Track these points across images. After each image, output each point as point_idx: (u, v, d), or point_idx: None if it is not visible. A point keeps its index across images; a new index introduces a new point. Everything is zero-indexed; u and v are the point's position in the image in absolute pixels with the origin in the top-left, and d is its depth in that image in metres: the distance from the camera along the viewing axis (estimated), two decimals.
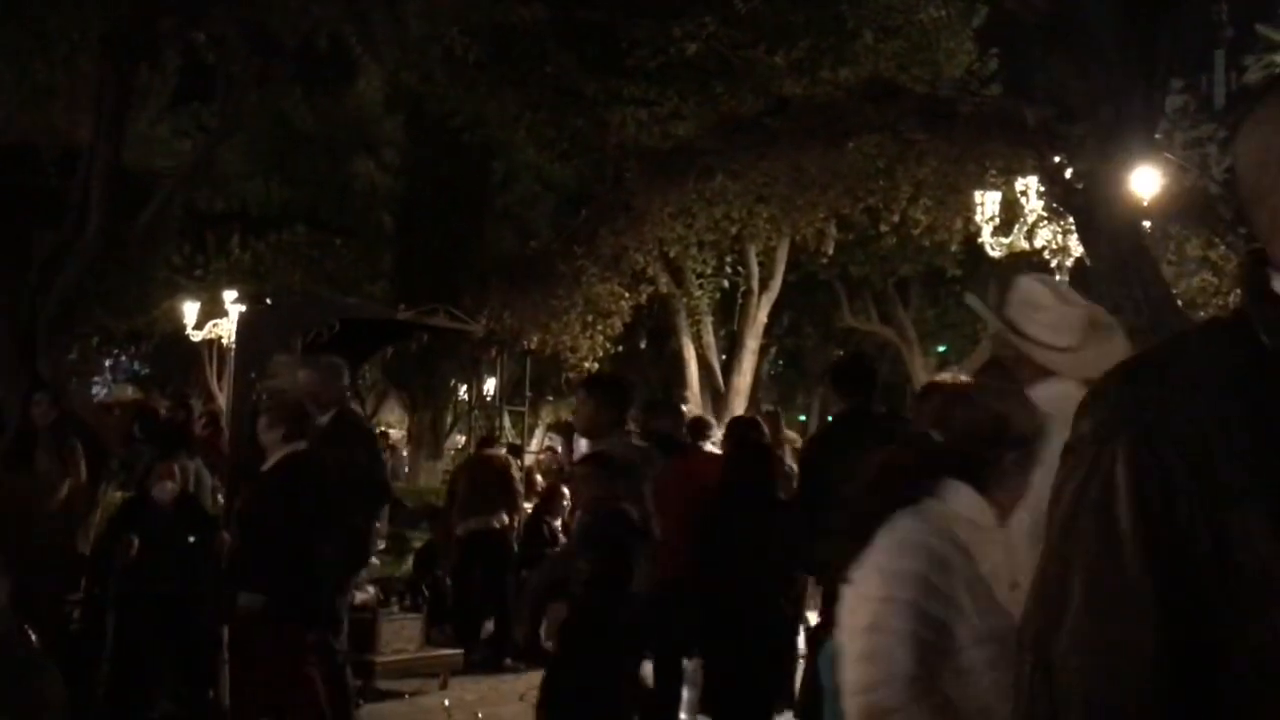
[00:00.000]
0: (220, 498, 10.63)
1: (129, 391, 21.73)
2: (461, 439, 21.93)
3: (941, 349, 26.47)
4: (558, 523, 11.86)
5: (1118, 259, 9.46)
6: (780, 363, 29.09)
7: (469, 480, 11.59)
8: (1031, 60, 13.74)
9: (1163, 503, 1.42)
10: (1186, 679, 1.42)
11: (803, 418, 31.33)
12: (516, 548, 11.38)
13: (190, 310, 21.26)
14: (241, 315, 15.36)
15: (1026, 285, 3.80)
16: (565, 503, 11.87)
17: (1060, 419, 2.66)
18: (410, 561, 11.98)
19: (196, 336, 21.52)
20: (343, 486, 6.96)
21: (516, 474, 12.11)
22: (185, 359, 23.11)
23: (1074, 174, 10.27)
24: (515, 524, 11.55)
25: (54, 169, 13.19)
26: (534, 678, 10.14)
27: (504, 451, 12.58)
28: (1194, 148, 17.02)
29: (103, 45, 10.87)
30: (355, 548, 7.55)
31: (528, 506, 12.18)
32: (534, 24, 12.80)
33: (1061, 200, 10.97)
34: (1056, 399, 3.14)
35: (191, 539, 8.05)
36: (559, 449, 20.79)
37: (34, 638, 5.28)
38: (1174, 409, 1.45)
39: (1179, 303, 11.10)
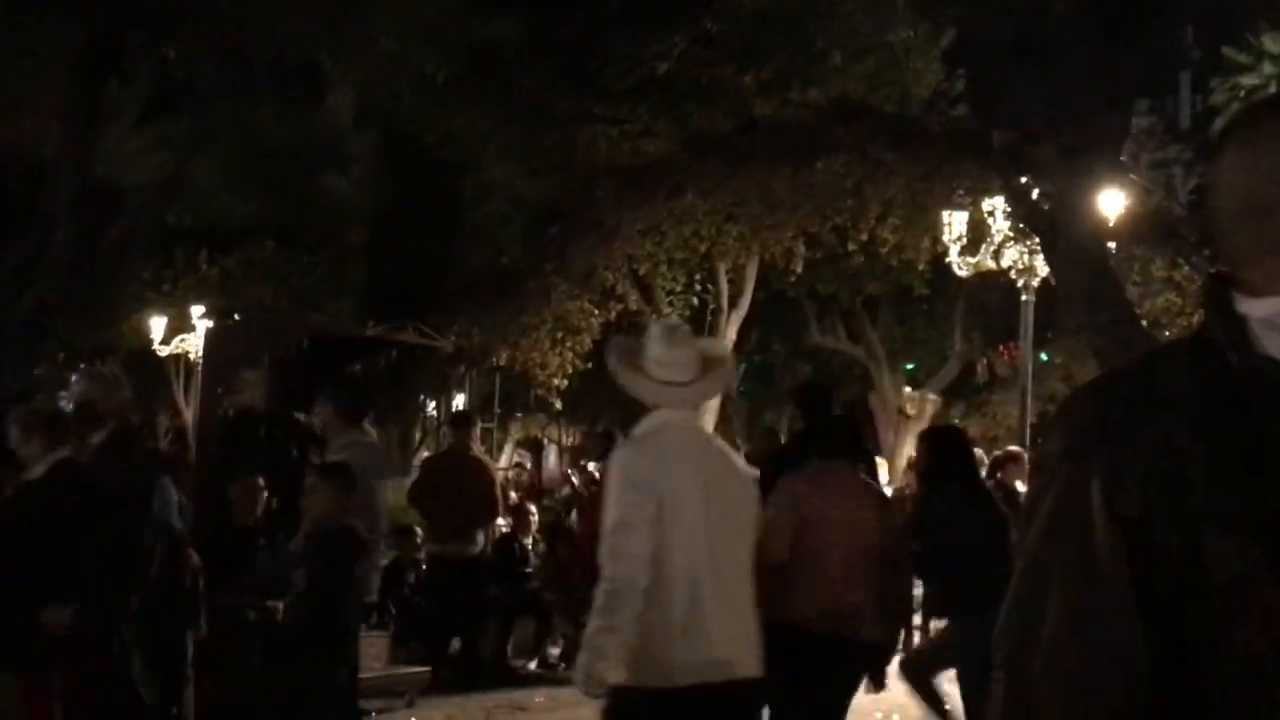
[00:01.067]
0: (182, 515, 10.58)
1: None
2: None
3: (909, 367, 26.60)
4: (528, 540, 11.83)
5: (1083, 279, 9.55)
6: (751, 380, 29.12)
7: (450, 495, 10.84)
8: (998, 81, 13.86)
9: (1138, 520, 1.44)
10: (1161, 697, 1.43)
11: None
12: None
13: (157, 325, 21.19)
14: (209, 331, 15.33)
15: (652, 334, 4.63)
16: (533, 518, 11.85)
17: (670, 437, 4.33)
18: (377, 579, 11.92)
19: (163, 351, 21.43)
20: (111, 501, 6.58)
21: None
22: (152, 374, 22.97)
23: (1040, 194, 10.36)
24: (488, 539, 11.43)
25: (23, 182, 13.12)
26: (501, 696, 10.18)
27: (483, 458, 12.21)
28: (1159, 169, 17.17)
29: (73, 59, 10.83)
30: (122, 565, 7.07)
31: (500, 523, 12.10)
32: (505, 42, 12.81)
33: (1027, 220, 11.06)
34: (674, 424, 4.39)
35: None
36: (527, 464, 20.78)
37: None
38: (1146, 426, 1.47)
39: (1143, 323, 11.21)
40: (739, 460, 4.87)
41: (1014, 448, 12.48)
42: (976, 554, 6.27)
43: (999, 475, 11.23)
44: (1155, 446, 1.45)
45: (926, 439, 7.41)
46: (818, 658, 5.57)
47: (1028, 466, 11.77)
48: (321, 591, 6.33)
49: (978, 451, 10.19)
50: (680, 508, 4.26)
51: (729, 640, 4.32)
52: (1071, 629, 1.46)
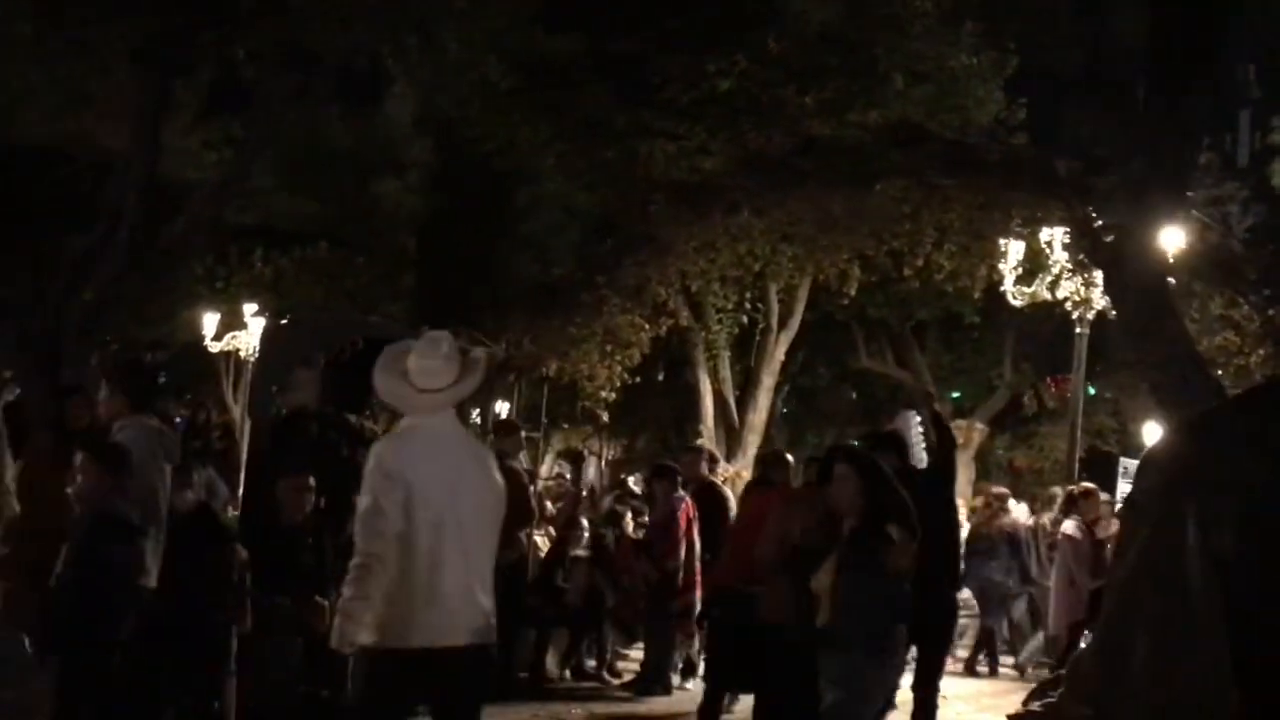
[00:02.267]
0: (231, 509, 10.66)
1: None
2: None
3: (955, 395, 26.44)
4: (580, 551, 11.79)
5: (1143, 315, 9.46)
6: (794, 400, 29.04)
7: None
8: (1059, 112, 13.80)
9: (1233, 563, 1.42)
10: None
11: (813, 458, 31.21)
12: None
13: (210, 321, 21.34)
14: (265, 328, 15.42)
15: (415, 346, 5.15)
16: (584, 533, 11.83)
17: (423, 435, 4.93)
18: None
19: (215, 348, 21.59)
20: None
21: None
22: (202, 369, 23.16)
23: (1102, 227, 10.28)
24: (528, 544, 11.42)
25: (86, 176, 13.27)
26: (537, 708, 10.16)
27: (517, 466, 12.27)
28: (1216, 205, 17.01)
29: (141, 56, 10.94)
30: None
31: (538, 534, 12.09)
32: (568, 55, 12.88)
33: (1089, 253, 10.98)
34: (429, 425, 4.96)
35: (205, 550, 8.05)
36: (567, 475, 20.76)
37: (28, 643, 5.34)
38: (1242, 467, 1.46)
39: (1200, 361, 11.08)
40: (489, 458, 5.40)
41: (1088, 484, 12.40)
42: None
43: (1073, 511, 11.17)
44: (1251, 488, 1.44)
45: None
46: None
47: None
48: (83, 571, 6.34)
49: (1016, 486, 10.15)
50: (427, 496, 4.84)
51: (463, 611, 4.89)
52: (1160, 669, 1.44)
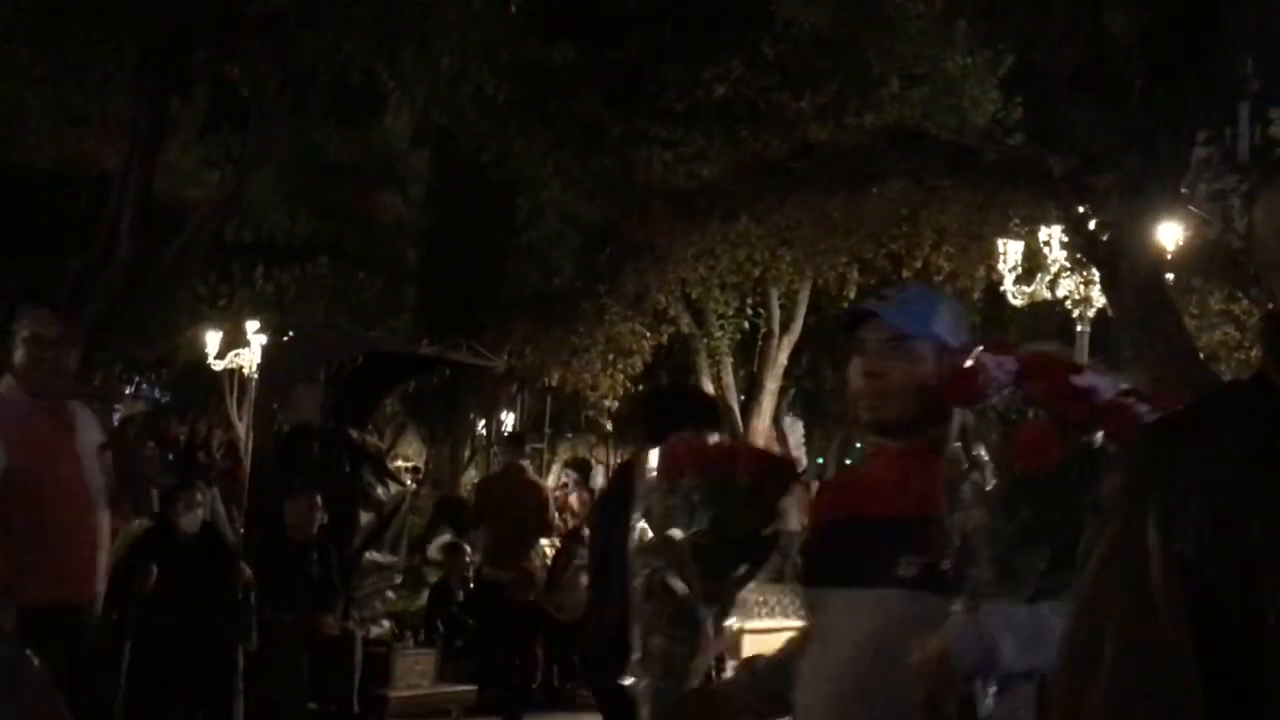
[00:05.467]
0: (237, 528, 10.68)
1: (139, 406, 21.79)
2: (476, 475, 21.93)
3: None
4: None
5: (1142, 311, 9.46)
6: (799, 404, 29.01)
7: (504, 515, 10.74)
8: (1056, 110, 13.80)
9: (1195, 563, 1.43)
10: None
11: (820, 460, 31.22)
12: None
13: (213, 339, 21.36)
14: (265, 346, 15.45)
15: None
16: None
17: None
18: (425, 596, 11.97)
19: (218, 366, 21.61)
20: None
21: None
22: (205, 388, 23.18)
23: (1098, 224, 10.28)
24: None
25: (85, 196, 13.30)
26: (548, 719, 10.17)
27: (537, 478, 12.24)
28: (1217, 200, 17.01)
29: (137, 75, 10.98)
30: None
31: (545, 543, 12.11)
32: (563, 64, 12.89)
33: (1086, 251, 10.98)
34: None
35: (211, 569, 8.07)
36: (571, 484, 20.75)
37: (37, 664, 5.32)
38: (1205, 470, 1.47)
39: (1200, 356, 11.09)
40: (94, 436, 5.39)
41: None
42: None
43: None
44: (1212, 487, 1.45)
45: None
46: None
47: None
48: None
49: None
50: (28, 470, 4.89)
51: (73, 570, 5.02)
52: (1128, 671, 1.45)
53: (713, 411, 5.29)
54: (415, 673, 9.66)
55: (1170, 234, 11.10)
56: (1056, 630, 1.61)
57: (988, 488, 2.27)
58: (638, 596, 2.84)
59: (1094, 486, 1.86)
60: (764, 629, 15.89)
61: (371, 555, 9.88)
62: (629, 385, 16.22)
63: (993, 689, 2.18)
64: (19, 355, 4.99)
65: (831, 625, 2.56)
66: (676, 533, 2.78)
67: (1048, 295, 14.05)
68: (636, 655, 2.82)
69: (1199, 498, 1.45)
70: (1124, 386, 2.25)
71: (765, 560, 2.82)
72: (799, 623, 2.93)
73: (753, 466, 2.83)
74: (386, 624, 9.82)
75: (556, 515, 12.54)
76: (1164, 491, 1.47)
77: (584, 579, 11.41)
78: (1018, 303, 14.43)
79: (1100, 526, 1.54)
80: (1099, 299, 13.11)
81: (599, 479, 33.12)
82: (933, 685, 2.20)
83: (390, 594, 10.41)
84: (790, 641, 2.78)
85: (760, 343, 19.94)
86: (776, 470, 2.91)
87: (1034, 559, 2.20)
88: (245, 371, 20.95)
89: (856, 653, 2.47)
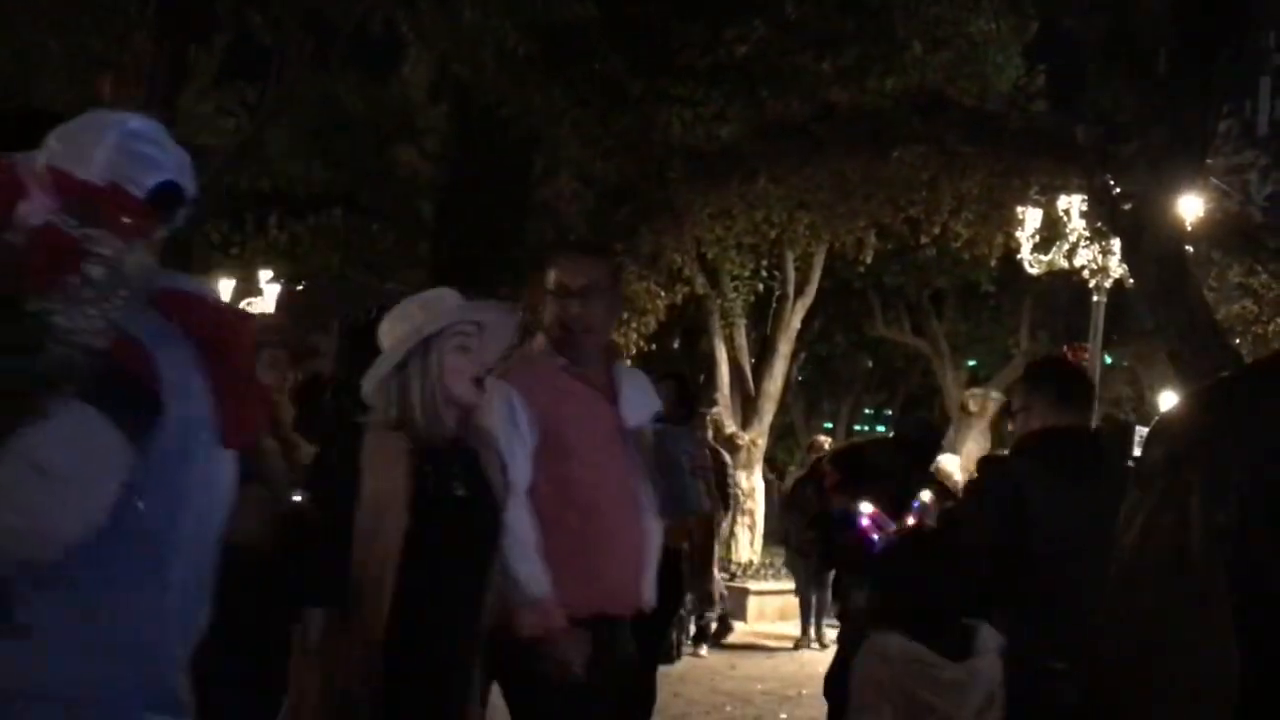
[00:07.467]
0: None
1: None
2: None
3: (971, 363, 26.39)
4: None
5: (1162, 283, 9.42)
6: (810, 368, 29.02)
7: None
8: (1080, 78, 13.71)
9: (1236, 533, 1.42)
10: (1257, 712, 1.41)
11: (828, 425, 31.27)
12: None
13: (225, 288, 21.36)
14: (280, 293, 15.44)
15: None
16: None
17: None
18: None
19: None
20: None
21: None
22: None
23: (1121, 194, 10.23)
24: None
25: None
26: None
27: None
28: (1235, 174, 16.91)
29: (159, 22, 10.94)
30: None
31: None
32: (584, 21, 12.82)
33: (1108, 220, 10.92)
34: None
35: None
36: None
37: None
38: (1248, 439, 1.45)
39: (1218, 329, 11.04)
40: None
41: None
42: None
43: None
44: (1256, 458, 1.43)
45: None
46: None
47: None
48: None
49: None
50: None
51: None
52: (1163, 638, 1.45)
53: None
54: None
55: (1191, 206, 11.05)
56: None
57: None
58: None
59: None
60: (769, 590, 15.99)
61: None
62: (642, 344, 16.18)
63: None
64: None
65: None
66: None
67: (1065, 265, 14.01)
68: None
69: (1241, 469, 1.43)
70: None
71: None
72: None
73: None
74: None
75: None
76: (1207, 462, 1.45)
77: None
78: (1034, 271, 14.38)
79: (1140, 497, 1.52)
80: (1117, 269, 13.07)
81: None
82: None
83: None
84: None
85: (774, 305, 19.91)
86: None
87: None
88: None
89: None
